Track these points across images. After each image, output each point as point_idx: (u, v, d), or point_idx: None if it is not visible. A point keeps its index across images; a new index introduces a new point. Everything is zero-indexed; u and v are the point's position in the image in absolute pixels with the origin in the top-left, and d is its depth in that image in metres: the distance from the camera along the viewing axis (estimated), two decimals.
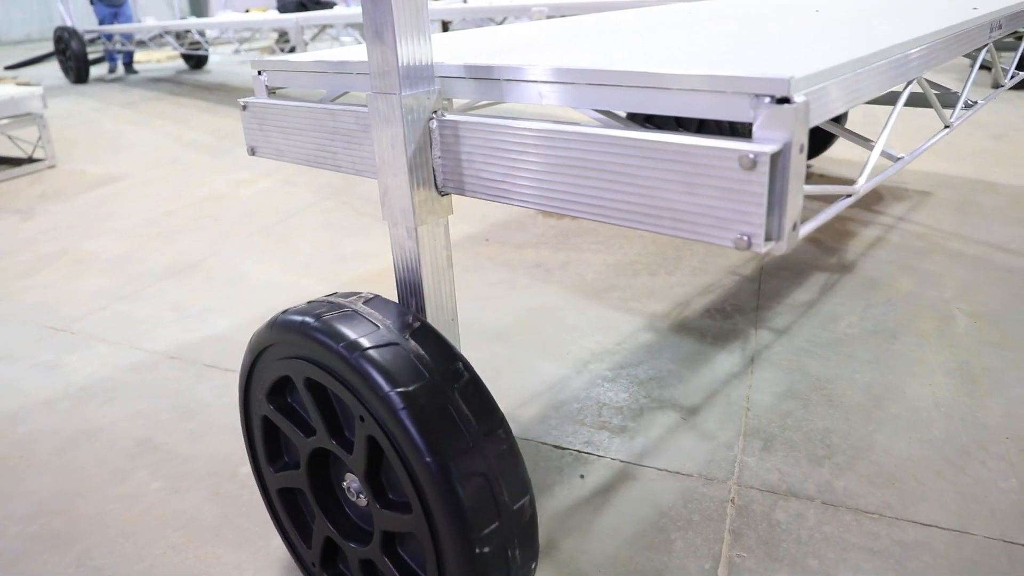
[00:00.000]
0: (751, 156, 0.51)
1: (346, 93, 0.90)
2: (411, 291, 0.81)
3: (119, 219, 2.58)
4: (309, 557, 0.89)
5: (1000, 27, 1.10)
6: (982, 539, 0.97)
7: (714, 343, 1.49)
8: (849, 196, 0.70)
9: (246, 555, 1.01)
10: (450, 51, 0.89)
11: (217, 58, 8.69)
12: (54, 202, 2.85)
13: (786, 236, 0.54)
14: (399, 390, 0.66)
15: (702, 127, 2.30)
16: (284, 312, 0.77)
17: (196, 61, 7.62)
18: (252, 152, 1.01)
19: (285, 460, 0.89)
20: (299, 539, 0.90)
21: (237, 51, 5.95)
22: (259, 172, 3.11)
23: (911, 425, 1.21)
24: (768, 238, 0.54)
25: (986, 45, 1.04)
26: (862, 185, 0.71)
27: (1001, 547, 0.96)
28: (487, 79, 0.72)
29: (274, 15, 5.29)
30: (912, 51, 0.79)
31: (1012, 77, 1.44)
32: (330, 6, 7.03)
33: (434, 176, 0.76)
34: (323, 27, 4.74)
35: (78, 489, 1.17)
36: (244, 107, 0.98)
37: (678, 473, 1.13)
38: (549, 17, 3.19)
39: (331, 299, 0.78)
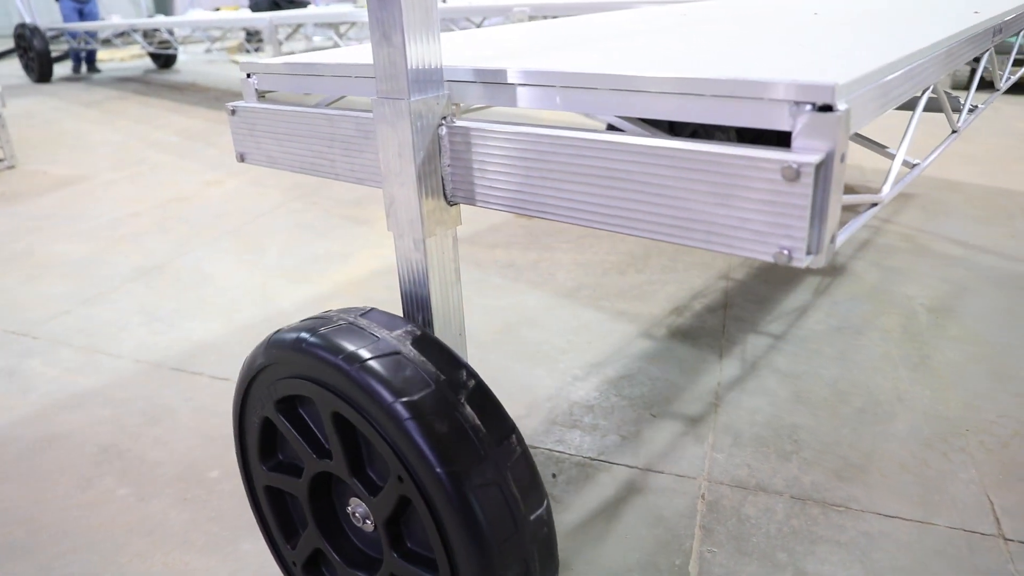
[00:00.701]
0: (795, 167, 0.49)
1: (343, 97, 0.85)
2: (417, 305, 0.78)
3: (82, 221, 2.53)
4: (291, 557, 0.87)
5: (1000, 31, 1.10)
6: (944, 529, 1.00)
7: (684, 340, 1.50)
8: (875, 205, 0.69)
9: (215, 560, 1.00)
10: (454, 54, 0.86)
11: (185, 57, 8.57)
12: (14, 203, 2.79)
13: (825, 249, 0.52)
14: (404, 400, 0.63)
15: (696, 132, 2.23)
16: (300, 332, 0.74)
17: (165, 60, 7.49)
18: (241, 159, 0.97)
19: (279, 460, 0.86)
20: (283, 539, 0.88)
21: (208, 50, 5.86)
22: (227, 173, 3.07)
23: (876, 419, 1.23)
24: (808, 251, 0.52)
25: (988, 49, 1.05)
26: (887, 193, 0.69)
27: (962, 536, 0.98)
28: (500, 83, 0.68)
29: (246, 14, 5.23)
30: (934, 55, 0.76)
31: (1006, 80, 1.47)
32: (304, 5, 6.95)
33: (443, 185, 0.73)
34: (297, 26, 4.68)
35: (40, 497, 1.14)
36: (233, 111, 0.94)
37: (649, 470, 1.13)
38: (531, 18, 3.16)
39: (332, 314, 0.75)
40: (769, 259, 0.53)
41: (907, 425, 1.21)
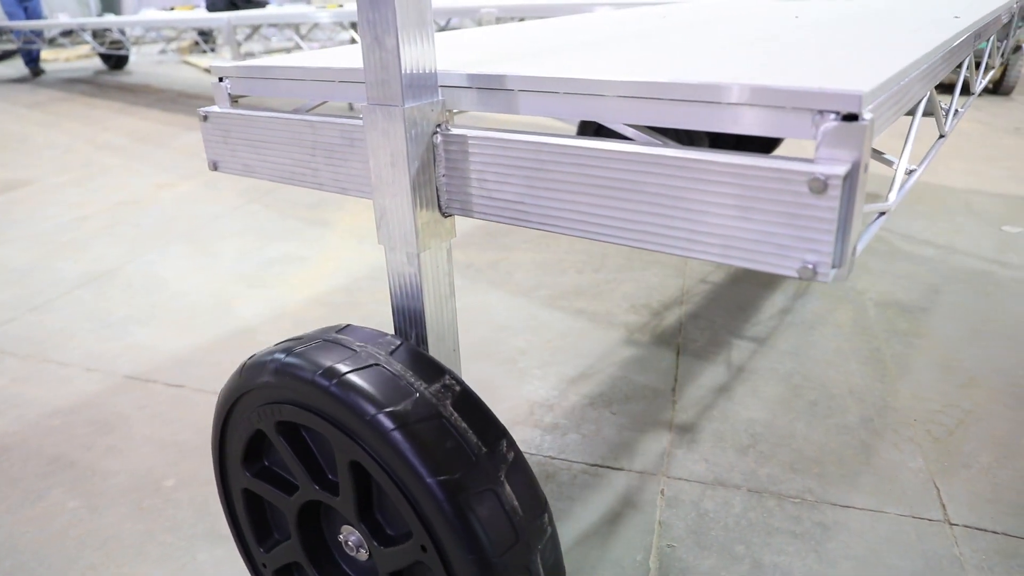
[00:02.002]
0: (822, 179, 0.47)
1: (324, 103, 0.81)
2: (410, 321, 0.75)
3: (27, 226, 2.46)
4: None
5: (979, 36, 1.11)
6: (894, 516, 1.03)
7: (641, 338, 1.52)
8: (884, 214, 0.68)
9: (171, 572, 0.98)
10: (446, 58, 0.83)
11: (134, 58, 8.35)
12: None
13: (848, 262, 0.50)
14: (387, 410, 0.60)
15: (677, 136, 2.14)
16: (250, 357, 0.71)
17: (116, 61, 7.28)
18: (214, 167, 0.92)
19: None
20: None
21: (164, 51, 5.70)
22: (180, 175, 3.01)
23: (828, 412, 1.26)
24: (832, 265, 0.50)
25: (969, 54, 1.06)
26: (894, 201, 0.69)
27: (911, 523, 1.01)
28: (499, 89, 0.65)
29: (202, 13, 5.09)
30: (938, 58, 0.75)
31: (980, 83, 1.51)
32: (262, 5, 6.80)
33: (438, 196, 0.70)
34: (257, 27, 4.58)
35: None
36: (205, 117, 0.89)
37: (609, 467, 1.15)
38: (499, 20, 3.11)
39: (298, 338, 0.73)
40: (792, 274, 0.51)
41: (858, 417, 1.24)
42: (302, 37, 4.29)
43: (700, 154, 0.53)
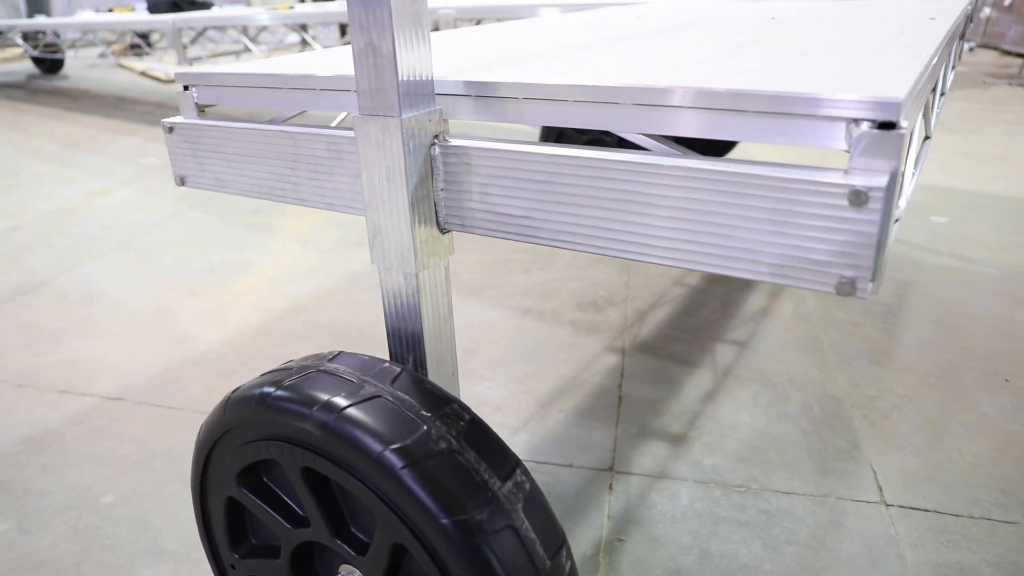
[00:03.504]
0: (863, 191, 0.45)
1: (303, 112, 0.77)
2: (408, 345, 0.71)
3: None
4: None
5: (959, 37, 1.12)
6: (835, 500, 1.06)
7: (588, 335, 1.54)
8: (897, 220, 0.69)
9: None
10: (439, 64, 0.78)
11: (70, 61, 8.06)
12: None
13: (882, 275, 0.48)
14: (395, 447, 0.56)
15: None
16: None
17: (50, 65, 6.99)
18: (181, 182, 0.86)
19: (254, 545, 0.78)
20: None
21: (103, 54, 5.46)
22: (117, 182, 2.92)
23: (771, 401, 1.29)
24: (871, 279, 0.48)
25: (950, 55, 1.08)
26: (902, 208, 0.70)
27: (850, 506, 1.04)
28: (499, 97, 0.61)
29: (143, 15, 4.91)
30: (938, 57, 0.74)
31: (949, 83, 1.55)
32: (207, 6, 6.61)
33: (436, 212, 0.66)
34: (203, 29, 4.44)
35: None
36: (170, 129, 0.84)
37: (558, 465, 1.15)
38: (456, 20, 3.06)
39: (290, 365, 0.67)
40: (828, 290, 0.49)
41: (799, 405, 1.28)
42: (252, 40, 4.18)
43: (732, 166, 0.50)
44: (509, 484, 0.58)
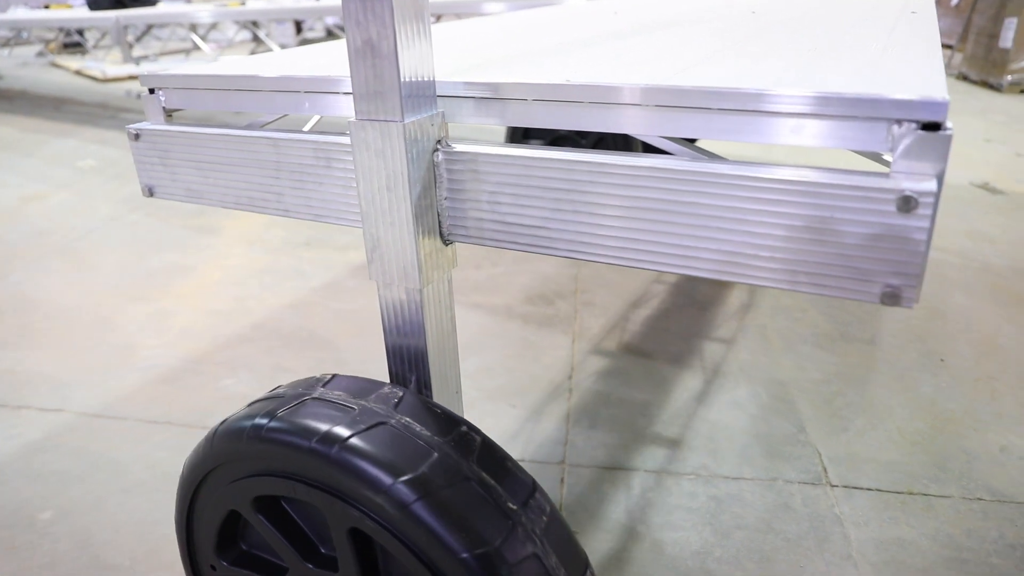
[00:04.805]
0: (913, 196, 0.43)
1: (284, 116, 0.72)
2: (410, 364, 0.67)
3: None
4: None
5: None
6: (782, 483, 1.08)
7: (538, 329, 1.54)
8: None
9: None
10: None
11: (2, 62, 7.74)
12: None
13: (922, 282, 0.46)
14: (406, 479, 0.51)
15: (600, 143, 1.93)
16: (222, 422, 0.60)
17: None
18: (150, 193, 0.80)
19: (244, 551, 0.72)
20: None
21: (41, 53, 5.26)
22: (51, 185, 2.81)
23: (720, 389, 1.31)
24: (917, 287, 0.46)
25: None
26: None
27: (797, 488, 1.07)
28: (507, 99, 0.57)
29: (83, 12, 4.72)
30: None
31: None
32: (152, 2, 6.39)
33: (439, 222, 0.62)
34: (149, 27, 4.28)
35: None
36: (136, 136, 0.78)
37: None
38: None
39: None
40: (872, 300, 0.47)
41: (748, 392, 1.30)
42: (202, 37, 4.06)
43: (765, 170, 0.47)
44: (528, 508, 0.54)
